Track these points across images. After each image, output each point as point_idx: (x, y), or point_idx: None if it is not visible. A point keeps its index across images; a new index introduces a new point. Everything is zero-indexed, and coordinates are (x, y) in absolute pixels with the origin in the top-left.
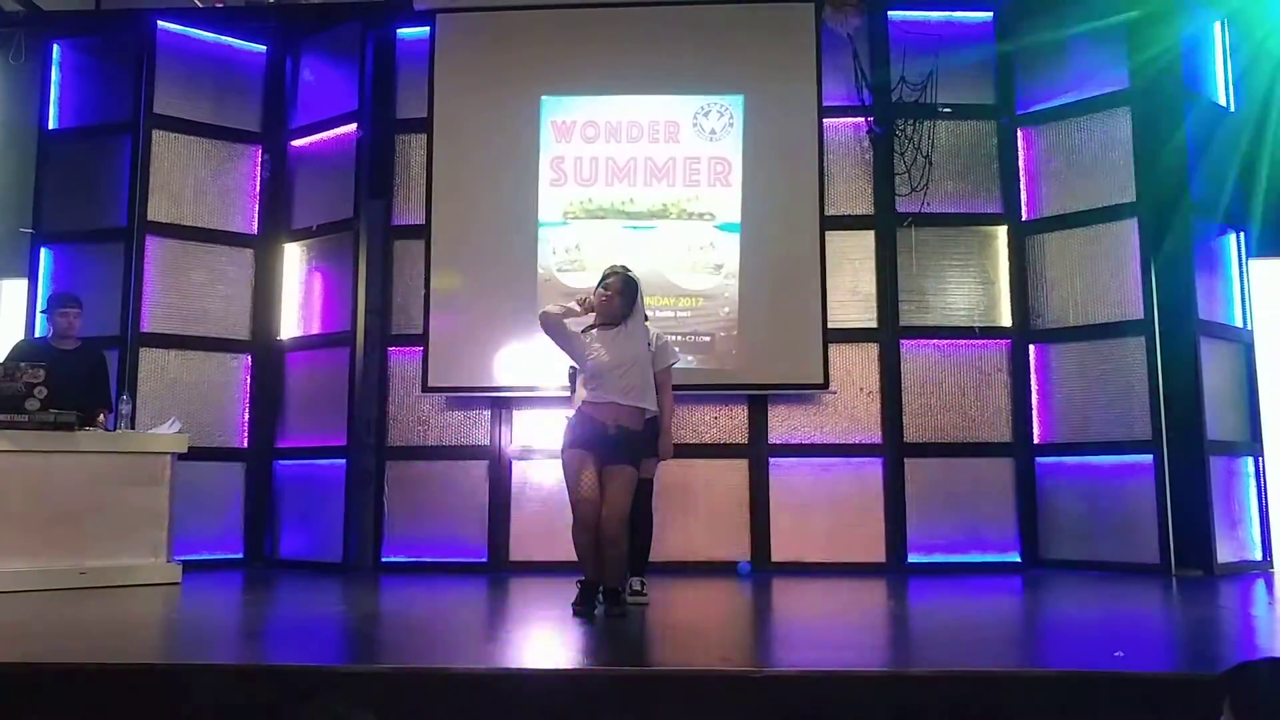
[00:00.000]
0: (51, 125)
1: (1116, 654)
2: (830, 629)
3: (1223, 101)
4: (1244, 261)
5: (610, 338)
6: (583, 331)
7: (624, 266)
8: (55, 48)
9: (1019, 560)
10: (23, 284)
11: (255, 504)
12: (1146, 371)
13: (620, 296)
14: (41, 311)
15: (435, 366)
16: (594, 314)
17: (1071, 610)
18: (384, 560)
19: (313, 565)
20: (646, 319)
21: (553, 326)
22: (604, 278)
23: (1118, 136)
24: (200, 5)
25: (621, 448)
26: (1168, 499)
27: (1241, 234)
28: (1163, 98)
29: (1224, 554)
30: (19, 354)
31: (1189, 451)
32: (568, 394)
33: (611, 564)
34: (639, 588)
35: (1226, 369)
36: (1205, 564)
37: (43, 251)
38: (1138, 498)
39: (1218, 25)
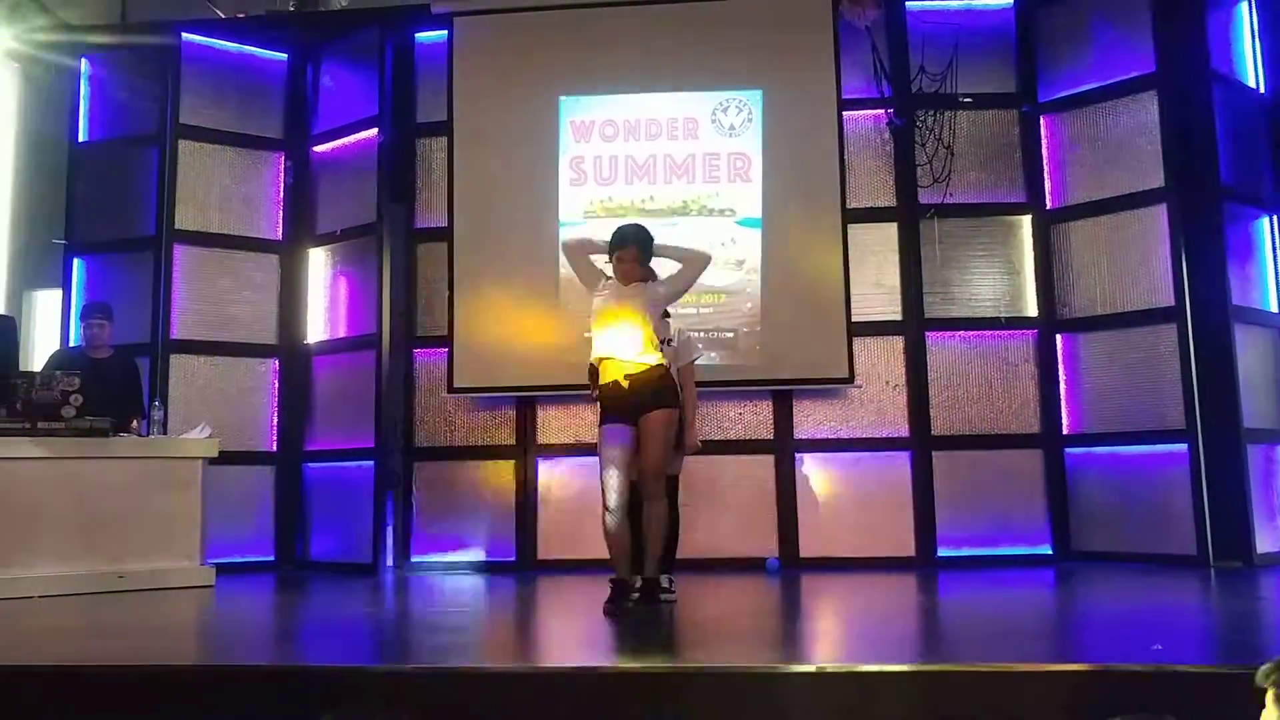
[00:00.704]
0: (81, 138)
1: (1155, 647)
2: (861, 624)
3: (1252, 83)
4: (1277, 246)
5: (622, 291)
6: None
7: (631, 229)
8: (84, 62)
9: (1050, 553)
10: (57, 294)
11: (285, 507)
12: (1179, 359)
13: (635, 263)
14: (79, 320)
15: (460, 367)
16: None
17: (1107, 603)
18: (413, 561)
19: (343, 567)
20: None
21: (573, 252)
22: (613, 248)
23: (1144, 121)
24: (223, 16)
25: (644, 397)
26: (1204, 489)
27: (1275, 217)
28: (1190, 81)
29: (1263, 544)
30: (55, 363)
31: (1225, 440)
32: (591, 392)
33: (651, 535)
34: (666, 585)
35: (1261, 355)
36: (1244, 555)
37: (75, 262)
38: (1172, 488)
39: (1245, 5)
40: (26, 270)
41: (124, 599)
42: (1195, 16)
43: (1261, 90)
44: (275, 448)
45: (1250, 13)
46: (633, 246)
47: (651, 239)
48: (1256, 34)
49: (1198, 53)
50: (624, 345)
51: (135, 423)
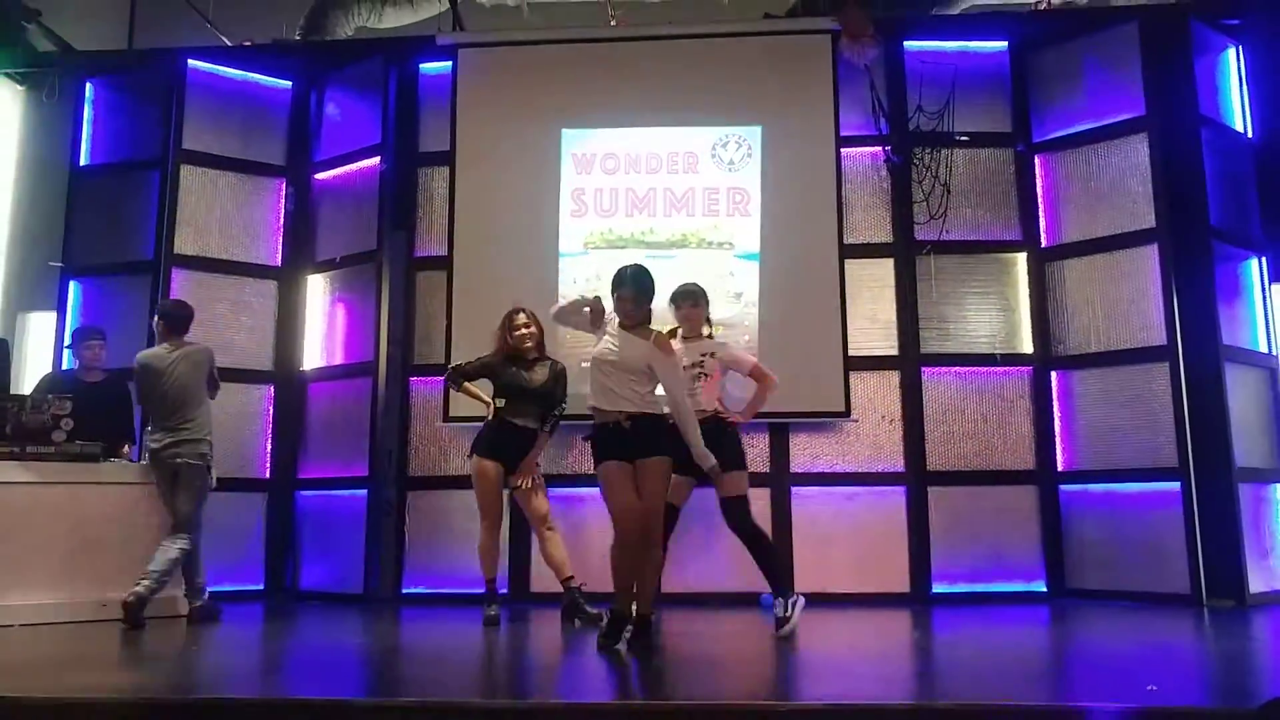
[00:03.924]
0: (83, 161)
1: (1149, 688)
2: (855, 661)
3: (1239, 127)
4: (1266, 287)
5: (626, 342)
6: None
7: (630, 269)
8: (88, 86)
9: (1045, 590)
10: (50, 317)
11: (277, 535)
12: (1171, 398)
13: (634, 302)
14: (67, 347)
15: (456, 396)
16: (601, 316)
17: (1101, 642)
18: (404, 591)
19: (333, 596)
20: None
21: (559, 319)
22: (615, 287)
23: (1135, 162)
24: (229, 44)
25: (643, 439)
26: (1196, 527)
27: (1263, 259)
28: (1179, 124)
29: (1256, 584)
30: (47, 386)
31: (1217, 478)
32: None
33: (648, 576)
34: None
35: (1252, 395)
36: (1237, 594)
37: (71, 285)
38: (1166, 526)
39: (1232, 51)
40: (21, 292)
41: (109, 628)
42: (1183, 62)
43: (1249, 134)
44: (268, 475)
45: (1237, 59)
46: (630, 286)
47: (651, 281)
48: (1243, 80)
49: (1186, 97)
50: (624, 400)
51: (126, 447)
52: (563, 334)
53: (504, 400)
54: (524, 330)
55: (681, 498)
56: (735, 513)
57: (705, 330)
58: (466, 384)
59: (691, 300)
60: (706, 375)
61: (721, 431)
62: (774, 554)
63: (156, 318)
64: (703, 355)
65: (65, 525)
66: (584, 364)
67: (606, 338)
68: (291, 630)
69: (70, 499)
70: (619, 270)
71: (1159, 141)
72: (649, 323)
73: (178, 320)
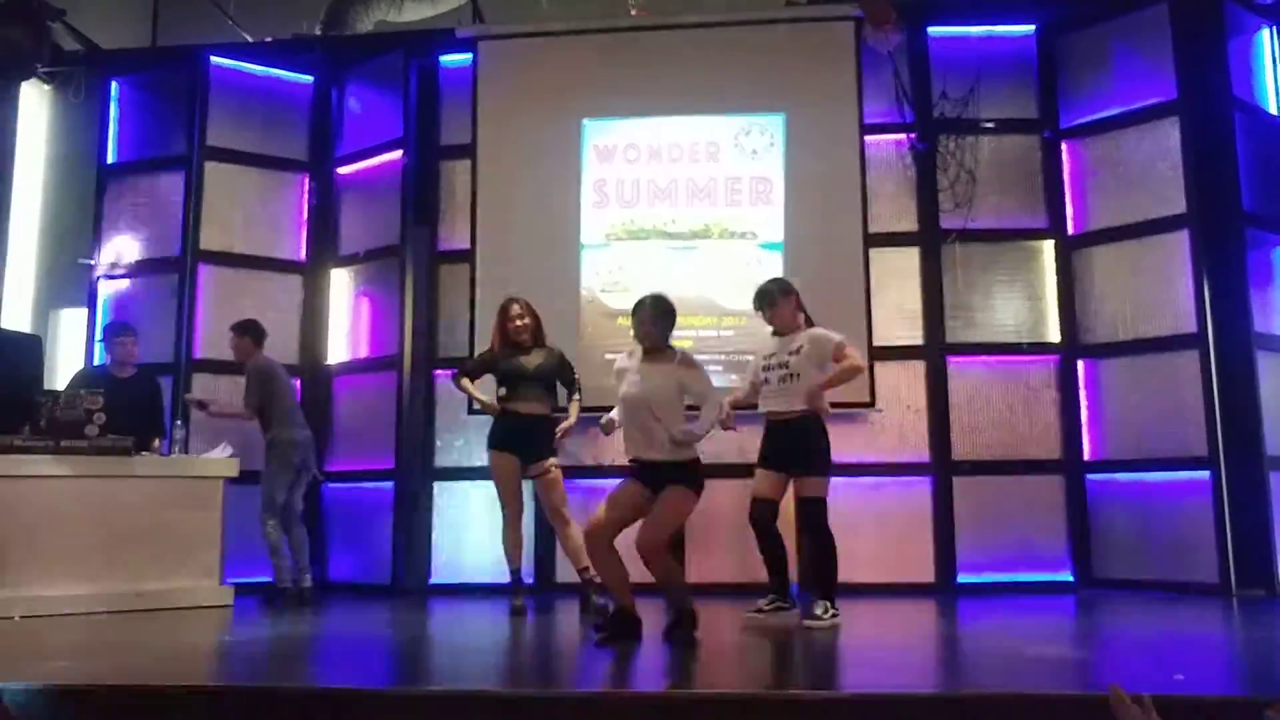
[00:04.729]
0: (110, 160)
1: (1177, 677)
2: (880, 651)
3: (1273, 109)
4: None
5: (647, 372)
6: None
7: (650, 296)
8: (114, 85)
9: (1072, 580)
10: (82, 313)
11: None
12: (1201, 386)
13: (652, 321)
14: (99, 341)
15: (481, 387)
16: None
17: (1128, 631)
18: (432, 582)
19: (361, 588)
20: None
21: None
22: (634, 311)
23: (1166, 147)
24: (250, 40)
25: (671, 473)
26: (1226, 517)
27: None
28: (1212, 107)
29: None
30: (80, 382)
31: (1248, 468)
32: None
33: (673, 578)
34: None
35: None
36: (1268, 584)
37: (101, 281)
38: (1195, 516)
39: (1266, 32)
40: (53, 289)
41: (142, 618)
42: (1216, 43)
43: None
44: None
45: (1271, 40)
46: (649, 308)
47: (670, 304)
48: (1278, 61)
49: (1219, 79)
50: (651, 448)
51: (157, 442)
52: (584, 325)
53: (505, 389)
54: (519, 322)
55: (779, 492)
56: (811, 514)
57: (799, 320)
58: (466, 382)
59: (768, 300)
60: (795, 376)
61: (810, 431)
62: (835, 563)
63: (244, 335)
64: (789, 354)
65: (99, 518)
66: (607, 356)
67: (629, 375)
68: (319, 621)
69: (103, 492)
70: (639, 299)
71: (1190, 125)
72: (668, 345)
73: (262, 335)
